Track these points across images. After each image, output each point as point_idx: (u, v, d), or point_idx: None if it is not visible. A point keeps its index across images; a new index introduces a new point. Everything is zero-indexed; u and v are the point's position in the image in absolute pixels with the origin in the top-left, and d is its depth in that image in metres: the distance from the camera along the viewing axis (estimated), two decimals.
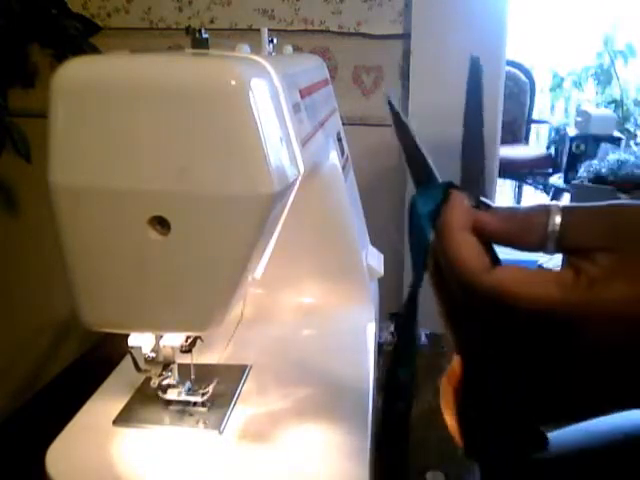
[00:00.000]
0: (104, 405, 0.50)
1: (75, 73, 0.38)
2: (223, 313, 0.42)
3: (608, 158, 1.76)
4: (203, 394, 0.49)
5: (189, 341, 0.47)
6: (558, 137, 2.89)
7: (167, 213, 0.38)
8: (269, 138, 0.37)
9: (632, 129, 2.28)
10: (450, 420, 0.33)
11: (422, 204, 0.34)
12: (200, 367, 0.51)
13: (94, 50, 1.06)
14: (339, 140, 0.67)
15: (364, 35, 1.06)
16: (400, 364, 0.36)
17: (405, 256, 1.12)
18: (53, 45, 1.07)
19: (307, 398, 0.52)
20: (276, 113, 0.40)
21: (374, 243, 0.71)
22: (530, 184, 3.15)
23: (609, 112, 2.35)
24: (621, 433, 0.49)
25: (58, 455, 0.45)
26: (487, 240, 0.31)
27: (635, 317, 0.27)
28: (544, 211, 0.30)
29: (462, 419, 0.33)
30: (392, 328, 0.87)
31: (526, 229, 0.30)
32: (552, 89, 3.00)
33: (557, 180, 2.72)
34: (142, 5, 1.10)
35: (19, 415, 0.70)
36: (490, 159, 1.09)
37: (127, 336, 0.46)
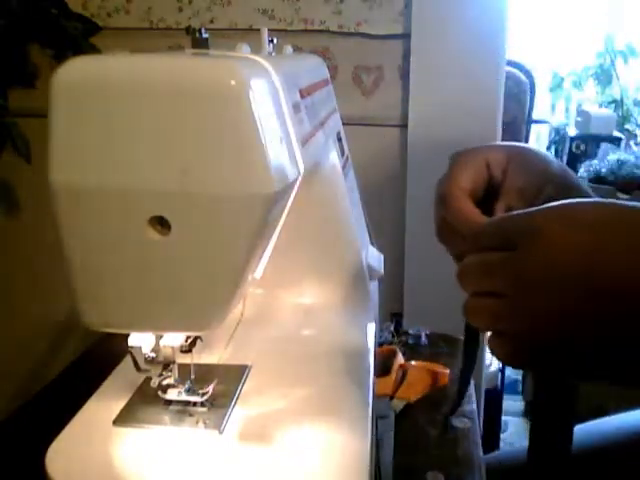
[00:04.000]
0: (104, 405, 0.50)
1: (75, 73, 0.38)
2: (223, 313, 0.42)
3: (608, 158, 1.76)
4: (203, 394, 0.49)
5: (189, 341, 0.47)
6: (558, 137, 2.88)
7: (167, 213, 0.38)
8: (269, 138, 0.37)
9: (632, 129, 2.28)
10: None
11: None
12: (200, 367, 0.51)
13: (94, 50, 1.06)
14: (339, 140, 0.67)
15: (364, 35, 1.06)
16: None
17: (405, 256, 1.12)
18: (53, 45, 1.07)
19: (307, 398, 0.52)
20: (276, 113, 0.40)
21: (374, 243, 0.71)
22: None
23: (609, 112, 2.34)
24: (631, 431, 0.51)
25: (58, 455, 0.45)
26: None
27: None
28: None
29: None
30: (392, 328, 0.87)
31: None
32: (552, 89, 2.99)
33: None
34: (142, 5, 1.10)
35: (19, 415, 0.70)
36: None
37: (127, 336, 0.46)
